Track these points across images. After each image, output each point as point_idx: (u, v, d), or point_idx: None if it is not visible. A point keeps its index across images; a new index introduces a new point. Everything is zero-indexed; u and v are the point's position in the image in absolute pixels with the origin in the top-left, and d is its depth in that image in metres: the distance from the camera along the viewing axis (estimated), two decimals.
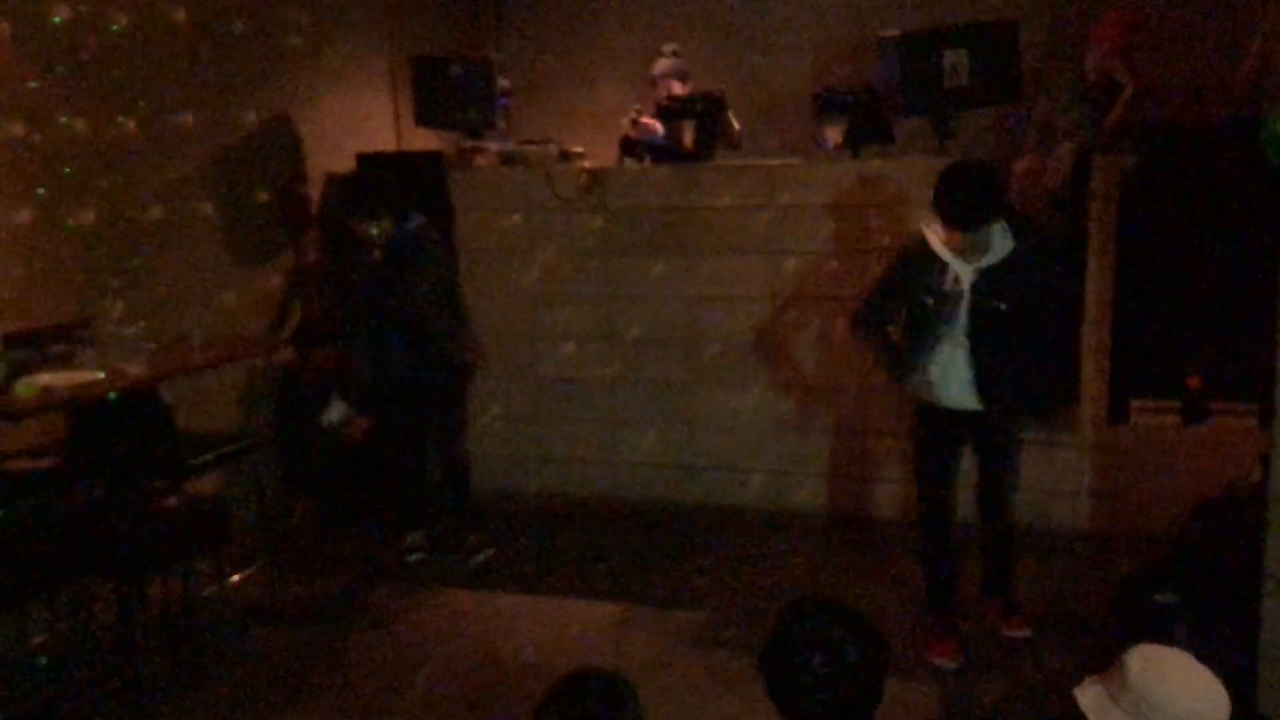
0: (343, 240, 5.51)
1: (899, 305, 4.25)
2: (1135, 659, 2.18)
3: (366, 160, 6.62)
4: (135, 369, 3.99)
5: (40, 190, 4.58)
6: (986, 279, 4.04)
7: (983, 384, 4.08)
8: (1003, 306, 4.02)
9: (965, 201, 4.00)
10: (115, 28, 4.90)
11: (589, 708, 2.02)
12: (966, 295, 4.05)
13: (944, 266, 4.08)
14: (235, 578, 4.60)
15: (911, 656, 4.15)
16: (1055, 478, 5.47)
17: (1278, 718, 3.10)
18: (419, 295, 4.98)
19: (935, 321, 4.09)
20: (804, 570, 5.13)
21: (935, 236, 4.12)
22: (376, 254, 5.05)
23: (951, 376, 4.11)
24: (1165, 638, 3.16)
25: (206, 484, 4.91)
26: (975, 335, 4.06)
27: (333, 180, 6.38)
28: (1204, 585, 3.63)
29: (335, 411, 5.50)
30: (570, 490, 6.22)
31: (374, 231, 5.02)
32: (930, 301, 4.09)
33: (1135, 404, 5.48)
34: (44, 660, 4.10)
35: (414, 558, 5.34)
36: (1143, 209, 5.31)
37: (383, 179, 5.20)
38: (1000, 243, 4.07)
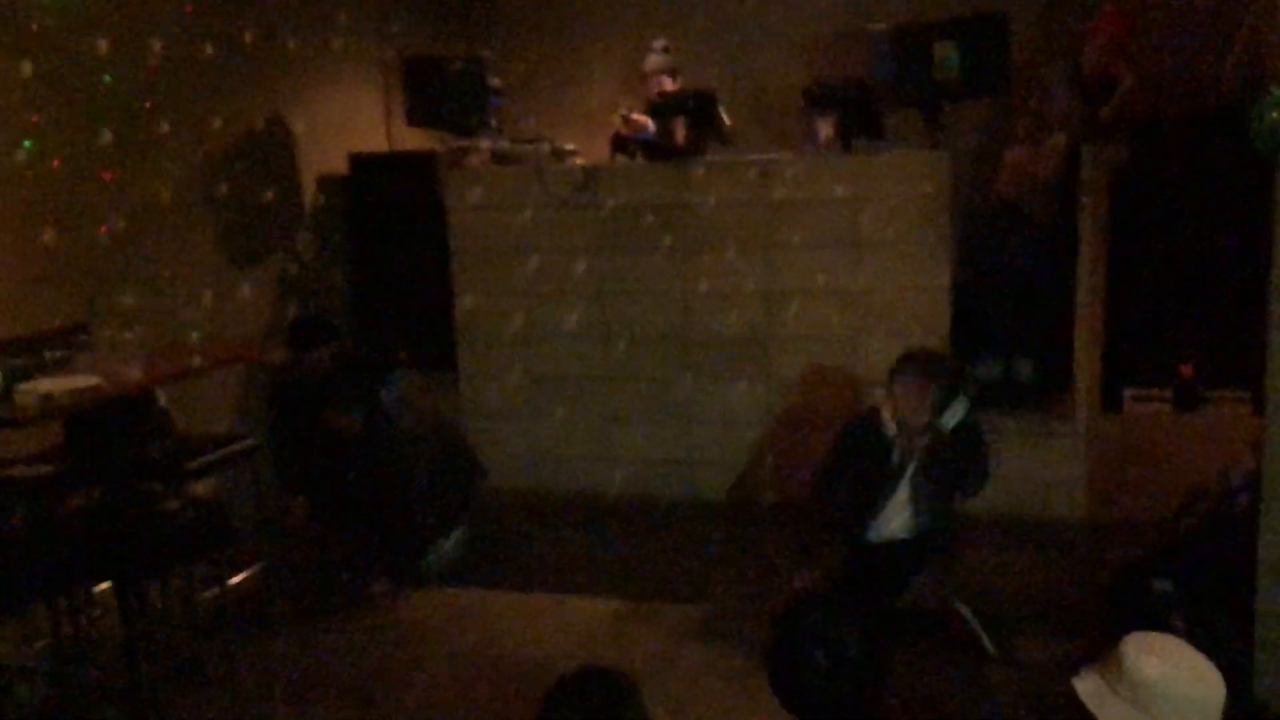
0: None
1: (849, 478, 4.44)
2: (1131, 646, 2.20)
3: (359, 160, 6.64)
4: (132, 373, 3.99)
5: (34, 196, 4.58)
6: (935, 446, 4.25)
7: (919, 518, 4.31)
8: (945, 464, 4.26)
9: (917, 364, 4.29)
10: (104, 30, 4.89)
11: (592, 705, 2.03)
12: (914, 460, 4.28)
13: (892, 442, 4.28)
14: (235, 580, 4.60)
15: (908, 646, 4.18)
16: (1051, 467, 5.50)
17: (1274, 703, 3.13)
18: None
19: (882, 486, 4.32)
20: (801, 563, 5.15)
21: (888, 413, 4.31)
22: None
23: (894, 517, 4.34)
24: (1162, 625, 3.19)
25: (205, 487, 4.91)
26: (915, 485, 4.30)
27: (324, 180, 6.39)
28: (1200, 573, 3.66)
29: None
30: (567, 486, 6.23)
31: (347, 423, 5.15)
32: (877, 475, 4.33)
33: (1129, 393, 5.52)
34: (46, 664, 4.11)
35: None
36: (1134, 200, 5.34)
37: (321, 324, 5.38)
38: (959, 408, 4.29)
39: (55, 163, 4.68)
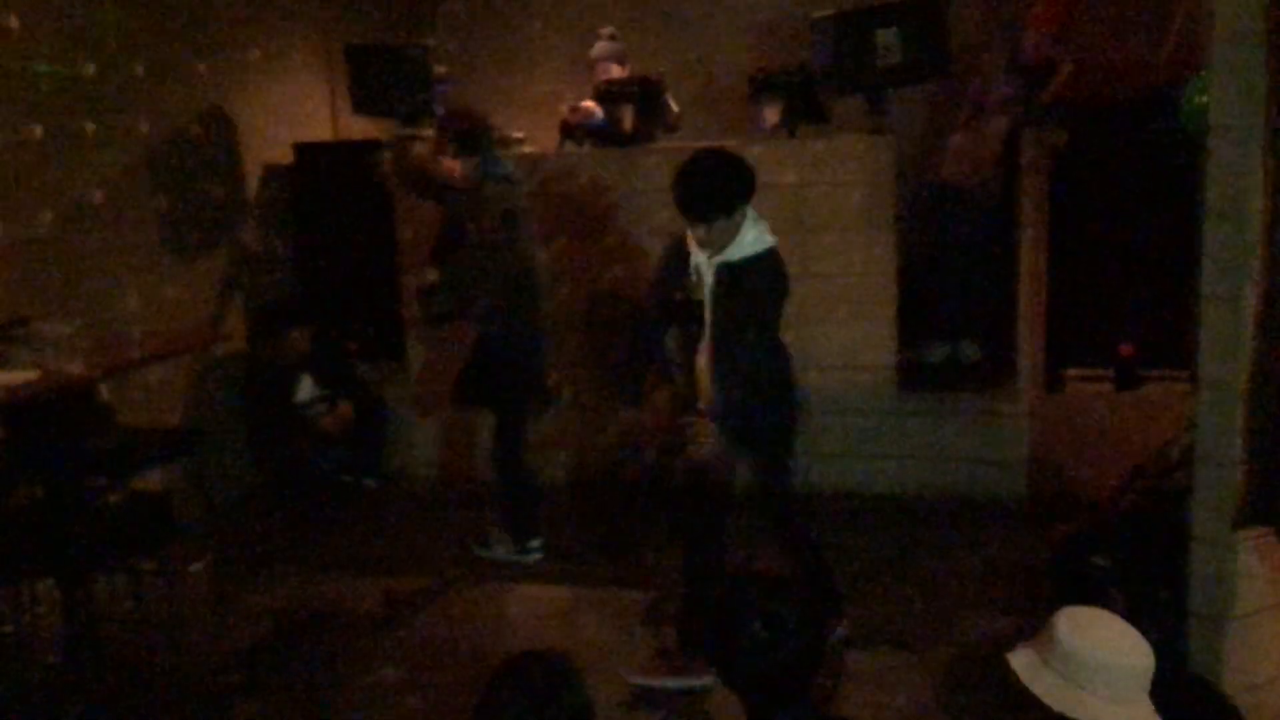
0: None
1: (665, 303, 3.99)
2: (1062, 620, 2.26)
3: (304, 149, 6.58)
4: (72, 367, 3.94)
5: None
6: (727, 277, 3.74)
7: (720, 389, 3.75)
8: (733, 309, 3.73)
9: (690, 190, 3.73)
10: (39, 18, 4.82)
11: (534, 688, 2.04)
12: (709, 293, 3.79)
13: (693, 263, 3.85)
14: (181, 573, 4.57)
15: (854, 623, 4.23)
16: (994, 447, 5.58)
17: (1209, 676, 3.19)
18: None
19: (688, 321, 3.87)
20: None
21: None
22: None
23: (704, 381, 3.84)
24: (1100, 600, 3.24)
25: (150, 480, 4.87)
26: (717, 338, 3.78)
27: (269, 170, 6.35)
28: (1138, 548, 3.73)
29: (304, 390, 6.02)
30: None
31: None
32: (680, 298, 3.88)
33: (1070, 372, 5.61)
34: None
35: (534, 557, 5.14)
36: (1073, 182, 5.42)
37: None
38: (747, 240, 3.74)
39: None
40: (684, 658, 3.92)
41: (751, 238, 3.74)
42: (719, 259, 3.75)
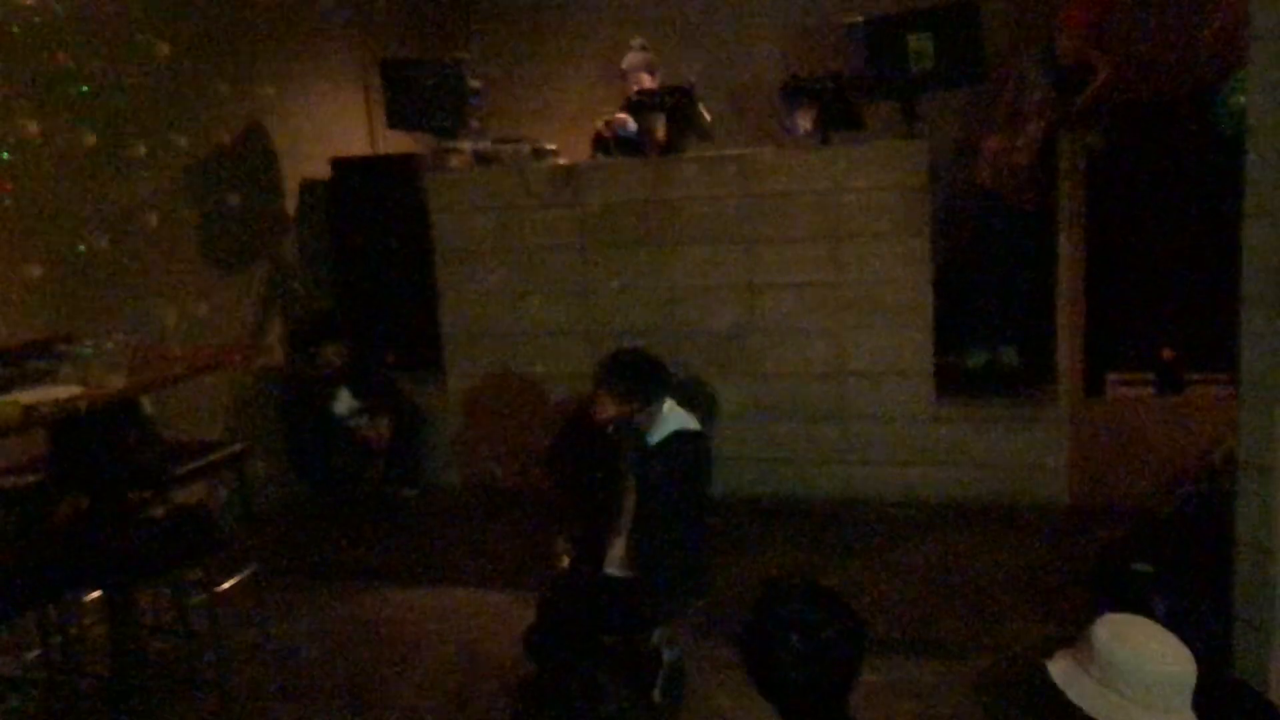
0: None
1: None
2: (1101, 628, 2.24)
3: (340, 164, 6.65)
4: (115, 382, 3.99)
5: (14, 207, 4.59)
6: (648, 460, 3.83)
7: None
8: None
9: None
10: (84, 39, 4.90)
11: (568, 703, 2.05)
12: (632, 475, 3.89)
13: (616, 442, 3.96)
14: (224, 585, 4.62)
15: (894, 632, 4.21)
16: (1034, 452, 5.54)
17: (1253, 682, 3.15)
18: None
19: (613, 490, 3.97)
20: (788, 556, 5.18)
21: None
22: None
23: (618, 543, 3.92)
24: (1142, 607, 3.22)
25: (193, 493, 4.94)
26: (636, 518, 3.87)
27: (306, 185, 6.43)
28: (1180, 554, 3.69)
29: (342, 403, 6.08)
30: (551, 485, 6.24)
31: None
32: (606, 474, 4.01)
33: (1111, 377, 5.55)
34: (38, 673, 4.12)
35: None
36: (1112, 185, 5.37)
37: None
38: (668, 424, 3.86)
39: (36, 173, 4.69)
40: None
41: (668, 422, 3.86)
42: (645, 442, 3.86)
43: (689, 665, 4.06)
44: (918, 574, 4.87)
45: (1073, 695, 2.22)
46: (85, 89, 4.91)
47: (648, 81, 6.33)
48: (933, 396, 5.66)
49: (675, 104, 6.01)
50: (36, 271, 4.67)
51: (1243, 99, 3.26)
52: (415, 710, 3.96)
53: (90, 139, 4.94)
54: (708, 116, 6.19)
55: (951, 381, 5.76)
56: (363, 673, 4.28)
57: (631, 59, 6.46)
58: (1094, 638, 2.23)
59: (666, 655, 3.90)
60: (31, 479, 4.00)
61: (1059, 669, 2.28)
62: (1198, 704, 2.19)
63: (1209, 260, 5.20)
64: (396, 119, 6.37)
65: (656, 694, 3.77)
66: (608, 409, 3.87)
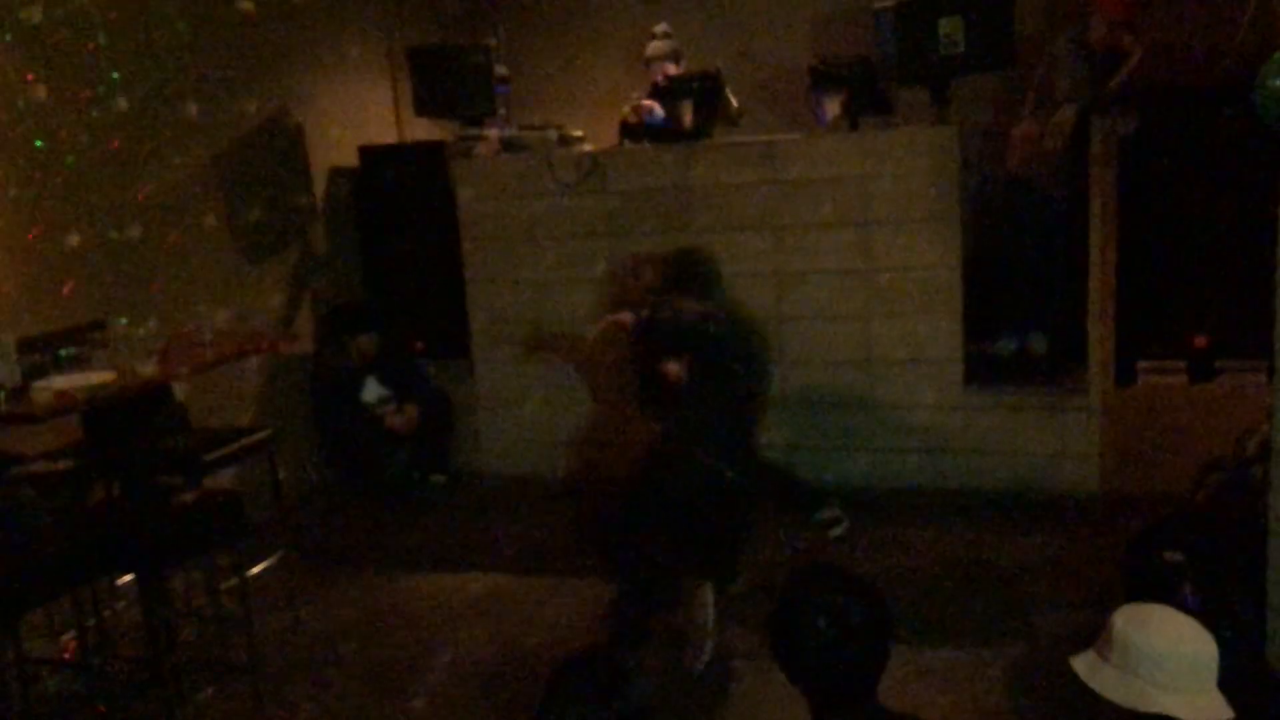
0: None
1: None
2: (1120, 616, 2.26)
3: (368, 152, 6.67)
4: (147, 369, 4.03)
5: (45, 193, 4.64)
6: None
7: None
8: None
9: None
10: (114, 28, 4.94)
11: (595, 687, 2.05)
12: None
13: None
14: (255, 569, 4.66)
15: (924, 621, 4.20)
16: (1065, 440, 5.50)
17: None
18: None
19: None
20: (815, 543, 5.17)
21: None
22: None
23: None
24: (1173, 596, 3.20)
25: (225, 479, 4.98)
26: None
27: (334, 173, 6.46)
28: (1211, 543, 3.66)
29: (370, 391, 6.14)
30: (581, 471, 6.26)
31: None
32: None
33: (1142, 365, 5.51)
34: (73, 656, 4.18)
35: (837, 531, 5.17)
36: (1144, 171, 5.31)
37: None
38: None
39: (68, 161, 4.73)
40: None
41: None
42: None
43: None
44: (947, 562, 4.85)
45: (1095, 685, 2.23)
46: (116, 75, 4.94)
47: (672, 69, 6.31)
48: (962, 384, 5.63)
49: (703, 90, 5.98)
50: (69, 260, 4.72)
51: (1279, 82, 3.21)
52: (443, 695, 3.99)
53: (121, 127, 4.98)
54: (735, 102, 6.16)
55: (981, 369, 5.73)
56: (391, 657, 4.31)
57: (655, 47, 6.43)
58: (1112, 627, 2.25)
59: (708, 621, 4.01)
60: (65, 465, 4.05)
61: (1081, 662, 2.29)
62: (1231, 692, 2.18)
63: (1242, 247, 5.15)
64: (424, 106, 6.38)
65: (698, 656, 3.91)
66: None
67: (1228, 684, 2.20)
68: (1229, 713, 2.15)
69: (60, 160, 4.71)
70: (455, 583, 4.99)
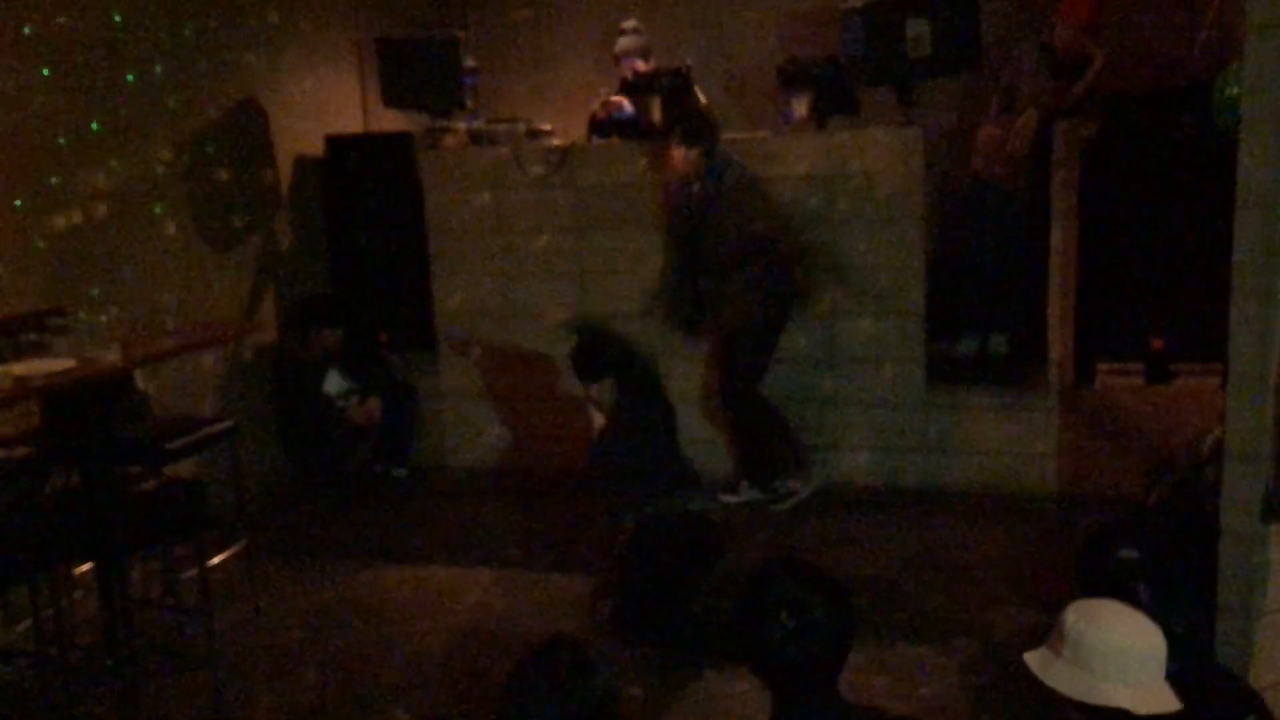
0: None
1: None
2: (1071, 612, 2.31)
3: (335, 142, 6.63)
4: (108, 357, 3.99)
5: (6, 181, 4.58)
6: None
7: None
8: None
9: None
10: (73, 14, 4.88)
11: (559, 676, 2.06)
12: None
13: None
14: (214, 560, 4.63)
15: (882, 617, 4.24)
16: (1024, 441, 5.56)
17: (1237, 670, 3.18)
18: None
19: None
20: (776, 540, 5.21)
21: None
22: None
23: None
24: (1127, 594, 3.24)
25: (185, 468, 4.94)
26: None
27: (300, 162, 6.41)
28: (1166, 541, 3.72)
29: (332, 383, 6.12)
30: (545, 466, 6.26)
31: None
32: None
33: (1101, 366, 5.58)
34: (29, 645, 4.13)
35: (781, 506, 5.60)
36: (1105, 175, 5.39)
37: None
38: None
39: (27, 147, 4.67)
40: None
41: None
42: None
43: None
44: (905, 559, 4.90)
45: (1048, 679, 2.28)
46: (79, 61, 4.89)
47: (641, 66, 6.31)
48: (923, 383, 5.68)
49: (671, 86, 5.99)
50: (30, 247, 4.66)
51: (1236, 91, 3.27)
52: (402, 687, 3.98)
53: (83, 114, 4.92)
54: (704, 100, 6.18)
55: (942, 368, 5.79)
56: (351, 648, 4.30)
57: (624, 43, 6.44)
58: (1064, 623, 2.29)
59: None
60: (23, 452, 4.00)
61: (1035, 657, 2.34)
62: (1182, 690, 2.22)
63: (1199, 251, 5.24)
64: (392, 97, 6.34)
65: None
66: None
67: (1181, 682, 2.24)
68: (1177, 705, 2.20)
69: (19, 146, 4.64)
70: (415, 575, 4.98)
